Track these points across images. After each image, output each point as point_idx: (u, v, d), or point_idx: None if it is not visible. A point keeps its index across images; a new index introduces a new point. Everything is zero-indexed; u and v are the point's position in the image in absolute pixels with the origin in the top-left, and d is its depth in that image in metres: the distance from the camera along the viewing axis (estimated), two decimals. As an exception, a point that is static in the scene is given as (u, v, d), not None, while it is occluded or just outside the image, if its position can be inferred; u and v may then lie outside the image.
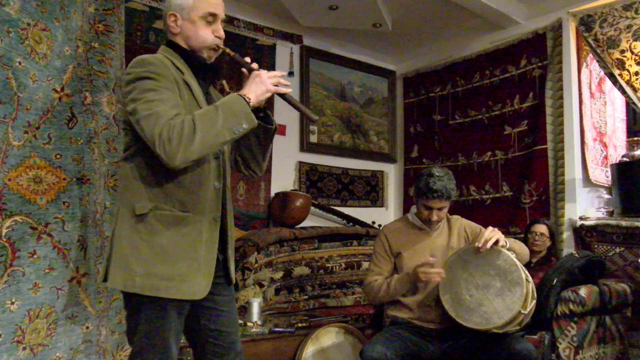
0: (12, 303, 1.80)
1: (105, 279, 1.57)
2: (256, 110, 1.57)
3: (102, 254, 2.12)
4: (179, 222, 1.54)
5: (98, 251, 2.10)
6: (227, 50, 1.64)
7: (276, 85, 1.56)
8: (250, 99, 1.51)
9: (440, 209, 2.39)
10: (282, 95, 1.60)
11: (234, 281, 1.76)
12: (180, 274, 1.52)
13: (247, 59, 1.63)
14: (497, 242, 2.19)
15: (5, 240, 1.78)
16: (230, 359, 1.70)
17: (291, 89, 1.61)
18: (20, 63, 1.82)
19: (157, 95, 1.47)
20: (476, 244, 2.20)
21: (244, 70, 1.62)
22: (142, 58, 1.54)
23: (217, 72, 1.77)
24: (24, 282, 1.84)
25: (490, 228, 2.24)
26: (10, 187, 1.79)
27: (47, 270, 1.91)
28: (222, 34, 1.64)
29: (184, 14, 1.60)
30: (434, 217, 2.39)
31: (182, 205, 1.55)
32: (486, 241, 2.16)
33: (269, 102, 1.76)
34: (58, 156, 1.95)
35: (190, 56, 1.63)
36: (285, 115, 3.76)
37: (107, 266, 1.56)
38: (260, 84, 1.54)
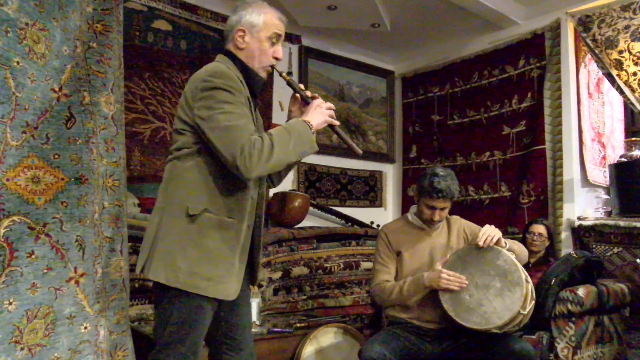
0: (10, 303, 1.79)
1: (142, 270, 1.65)
2: None
3: (100, 254, 2.12)
4: (224, 227, 1.64)
5: (96, 251, 2.09)
6: (284, 74, 1.77)
7: (331, 117, 1.70)
8: (312, 127, 1.65)
9: (443, 209, 2.39)
10: (332, 127, 1.74)
11: (257, 282, 1.90)
12: (219, 275, 1.62)
13: (302, 86, 1.77)
14: (498, 241, 2.20)
15: (3, 240, 1.77)
16: (245, 354, 1.80)
17: (339, 122, 1.76)
18: (18, 63, 1.81)
19: (236, 109, 1.58)
20: (477, 240, 2.19)
21: (297, 95, 1.77)
22: (219, 69, 1.63)
23: (263, 90, 1.92)
24: (22, 282, 1.83)
25: (488, 226, 2.24)
26: (8, 187, 1.79)
27: (45, 271, 1.90)
28: (280, 55, 1.76)
29: (253, 31, 1.71)
30: (437, 217, 2.38)
31: (228, 212, 1.65)
32: (488, 237, 2.17)
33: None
34: (56, 156, 1.94)
35: (250, 73, 1.73)
36: (283, 114, 3.75)
37: (148, 258, 1.63)
38: (320, 115, 1.68)
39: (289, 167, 1.87)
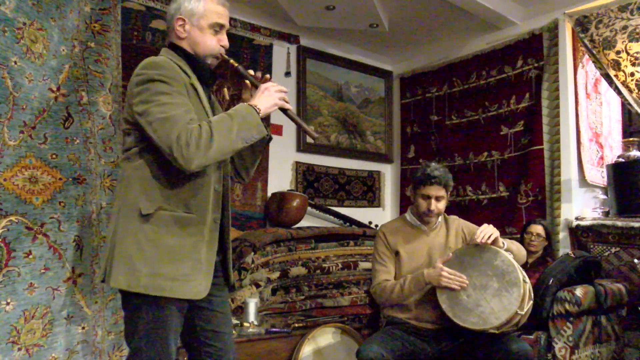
0: (8, 303, 1.79)
1: (103, 279, 1.57)
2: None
3: (98, 254, 2.12)
4: (184, 223, 1.57)
5: (94, 251, 2.09)
6: (232, 61, 1.69)
7: (282, 100, 1.63)
8: (259, 110, 1.57)
9: (438, 199, 2.39)
10: (285, 111, 1.67)
11: (233, 283, 1.79)
12: (184, 274, 1.55)
13: (251, 72, 1.69)
14: (495, 240, 2.20)
15: (0, 240, 1.77)
16: (226, 358, 1.71)
17: (291, 106, 1.68)
18: (16, 62, 1.81)
19: (171, 99, 1.51)
20: (475, 237, 2.19)
21: (247, 82, 1.69)
22: (153, 61, 1.57)
23: (216, 78, 1.80)
24: (20, 282, 1.83)
25: (486, 225, 2.24)
26: (5, 187, 1.79)
27: (42, 271, 1.90)
28: (226, 43, 1.69)
29: (193, 20, 1.64)
30: (432, 206, 2.38)
31: (186, 207, 1.58)
32: (485, 235, 2.16)
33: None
34: (54, 156, 1.94)
35: (195, 61, 1.66)
36: (282, 115, 3.75)
37: (108, 266, 1.56)
38: (269, 97, 1.61)
39: (254, 159, 1.81)
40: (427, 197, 2.38)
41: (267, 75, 1.69)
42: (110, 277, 1.54)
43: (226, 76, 3.50)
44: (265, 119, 1.67)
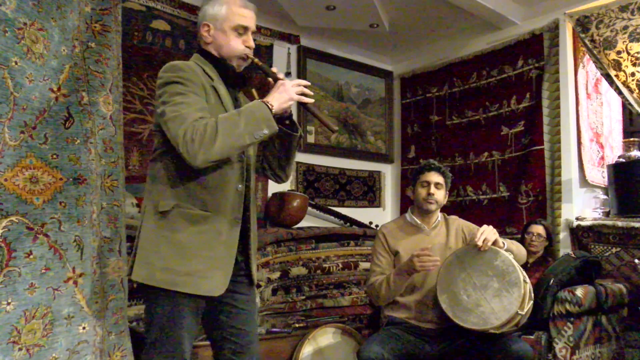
0: (8, 303, 1.79)
1: (130, 274, 1.65)
2: (282, 117, 1.66)
3: (99, 254, 2.12)
4: (198, 221, 1.61)
5: (95, 251, 2.09)
6: (256, 60, 1.72)
7: (300, 95, 1.62)
8: (272, 106, 1.56)
9: (437, 186, 2.43)
10: (304, 105, 1.65)
11: (256, 282, 1.81)
12: (196, 270, 1.58)
13: (274, 69, 1.70)
14: (495, 241, 2.20)
15: (1, 240, 1.77)
16: (247, 357, 1.75)
17: (314, 99, 1.65)
18: (16, 63, 1.81)
19: (184, 99, 1.55)
20: (475, 240, 2.19)
21: (269, 79, 1.69)
22: (173, 64, 1.63)
23: (245, 80, 1.82)
24: (20, 282, 1.83)
25: (485, 226, 2.25)
26: (6, 187, 1.79)
27: (43, 271, 1.90)
28: (251, 44, 1.72)
29: (217, 24, 1.69)
30: (432, 190, 2.41)
31: (203, 205, 1.62)
32: (486, 240, 2.17)
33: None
34: (54, 156, 1.94)
35: (220, 64, 1.71)
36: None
37: (132, 260, 1.64)
38: (284, 93, 1.60)
39: (288, 157, 1.80)
40: (427, 184, 2.42)
41: (281, 74, 1.70)
42: (133, 272, 1.62)
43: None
44: (286, 116, 1.69)
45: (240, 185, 1.68)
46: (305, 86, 1.63)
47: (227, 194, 1.65)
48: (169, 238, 1.59)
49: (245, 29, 1.70)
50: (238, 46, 1.69)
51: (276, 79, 1.66)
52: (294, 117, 1.79)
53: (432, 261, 2.20)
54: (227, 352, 1.75)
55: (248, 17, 1.70)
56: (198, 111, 1.54)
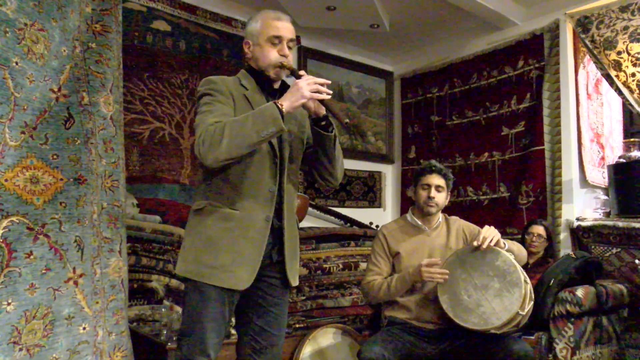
0: (9, 304, 1.79)
1: None
2: (318, 119, 1.72)
3: (99, 255, 2.12)
4: (226, 218, 1.69)
5: (95, 252, 2.09)
6: (284, 62, 1.77)
7: (315, 92, 1.62)
8: (282, 105, 1.60)
9: (438, 189, 2.42)
10: (322, 102, 1.66)
11: (292, 284, 1.82)
12: (222, 264, 1.66)
13: (302, 72, 1.71)
14: (496, 242, 2.20)
15: (1, 240, 1.77)
16: (266, 358, 1.79)
17: (330, 95, 1.65)
18: (17, 63, 1.81)
19: (210, 107, 1.67)
20: (475, 242, 2.20)
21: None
22: (207, 78, 1.76)
23: (285, 88, 1.84)
24: (21, 282, 1.83)
25: (487, 227, 2.25)
26: (6, 187, 1.79)
27: (43, 271, 1.90)
28: (286, 52, 1.78)
29: (254, 39, 1.79)
30: (433, 193, 2.41)
31: (231, 203, 1.70)
32: (485, 239, 2.17)
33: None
34: (55, 156, 1.94)
35: (257, 75, 1.81)
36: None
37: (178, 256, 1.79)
38: (296, 92, 1.62)
39: (330, 160, 1.80)
40: (428, 186, 2.42)
41: (303, 72, 1.72)
42: (176, 266, 1.75)
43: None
44: (322, 117, 1.71)
45: (273, 186, 1.73)
46: (322, 83, 1.65)
47: (256, 193, 1.71)
48: (200, 232, 1.70)
49: (279, 38, 1.76)
50: (272, 56, 1.76)
51: (298, 77, 1.69)
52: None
53: (441, 274, 2.22)
54: (248, 349, 1.80)
55: (281, 28, 1.77)
56: (216, 117, 1.62)
